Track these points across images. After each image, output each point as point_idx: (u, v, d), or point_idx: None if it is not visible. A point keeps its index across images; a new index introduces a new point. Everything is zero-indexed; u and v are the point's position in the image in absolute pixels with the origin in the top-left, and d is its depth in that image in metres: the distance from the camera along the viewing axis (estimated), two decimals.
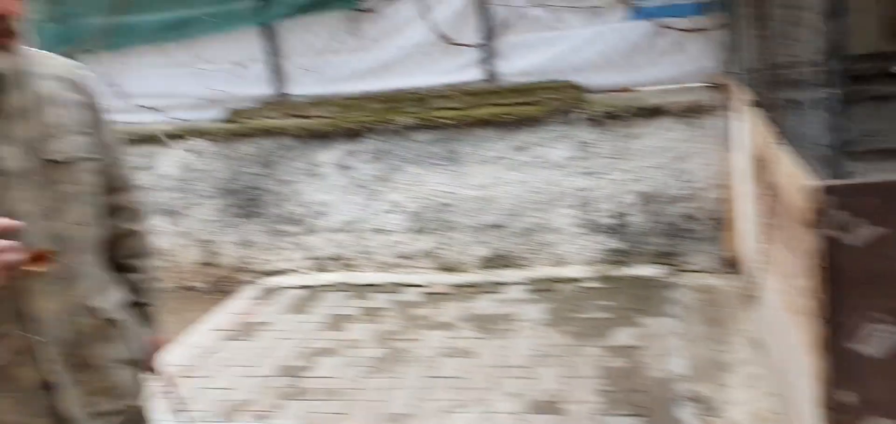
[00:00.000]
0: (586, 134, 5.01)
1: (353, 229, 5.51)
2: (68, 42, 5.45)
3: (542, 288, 4.88)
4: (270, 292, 5.37)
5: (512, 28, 5.10)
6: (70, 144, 1.78)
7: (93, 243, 1.86)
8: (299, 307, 5.02)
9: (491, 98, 5.17)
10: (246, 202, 5.63)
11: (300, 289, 5.32)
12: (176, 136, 5.65)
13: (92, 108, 1.89)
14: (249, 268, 5.71)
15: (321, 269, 5.57)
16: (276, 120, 5.50)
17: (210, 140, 5.59)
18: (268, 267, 5.66)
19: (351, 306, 4.94)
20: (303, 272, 5.58)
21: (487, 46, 5.14)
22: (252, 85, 5.55)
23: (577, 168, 5.07)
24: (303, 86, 5.49)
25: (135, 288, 2.00)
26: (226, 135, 5.56)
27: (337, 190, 5.45)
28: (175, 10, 5.44)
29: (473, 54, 5.18)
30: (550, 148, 5.08)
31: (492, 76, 5.21)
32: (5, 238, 1.60)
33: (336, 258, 5.57)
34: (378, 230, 5.48)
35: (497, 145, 5.16)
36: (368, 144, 5.33)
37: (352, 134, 5.33)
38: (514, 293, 4.87)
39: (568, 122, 5.02)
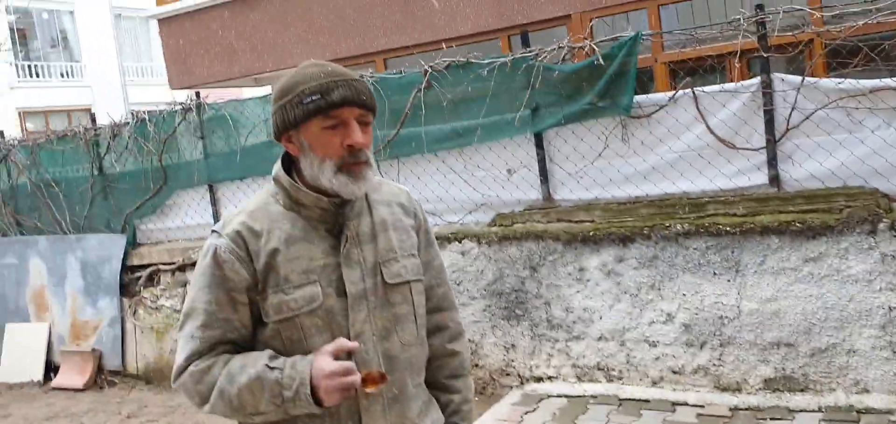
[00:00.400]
0: (893, 246, 4.43)
1: (620, 339, 5.28)
2: None
3: (842, 418, 4.30)
4: (533, 398, 5.27)
5: (801, 130, 4.70)
6: (404, 267, 1.88)
7: (420, 363, 1.93)
8: (564, 420, 4.86)
9: (777, 204, 4.76)
10: (511, 305, 5.64)
11: (564, 398, 5.16)
12: (446, 238, 5.85)
13: (421, 230, 1.99)
14: (512, 372, 5.67)
15: (585, 378, 5.39)
16: (543, 224, 5.50)
17: (478, 242, 5.72)
18: (531, 372, 5.59)
19: (620, 423, 4.69)
20: (566, 380, 5.43)
21: (772, 149, 4.78)
22: (520, 190, 5.63)
23: (882, 284, 4.48)
24: (571, 190, 5.45)
25: (454, 410, 2.02)
26: (493, 238, 5.66)
27: (604, 296, 5.29)
28: (454, 121, 5.72)
29: (756, 158, 4.84)
30: (848, 260, 4.54)
31: (777, 181, 4.82)
32: (344, 359, 1.70)
33: (601, 368, 5.36)
34: (647, 341, 5.21)
35: (784, 255, 4.72)
36: (638, 250, 5.13)
37: (621, 239, 5.17)
38: (808, 421, 4.33)
39: (869, 232, 4.47)
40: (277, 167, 1.88)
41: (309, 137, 1.78)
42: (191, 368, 1.80)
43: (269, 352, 1.78)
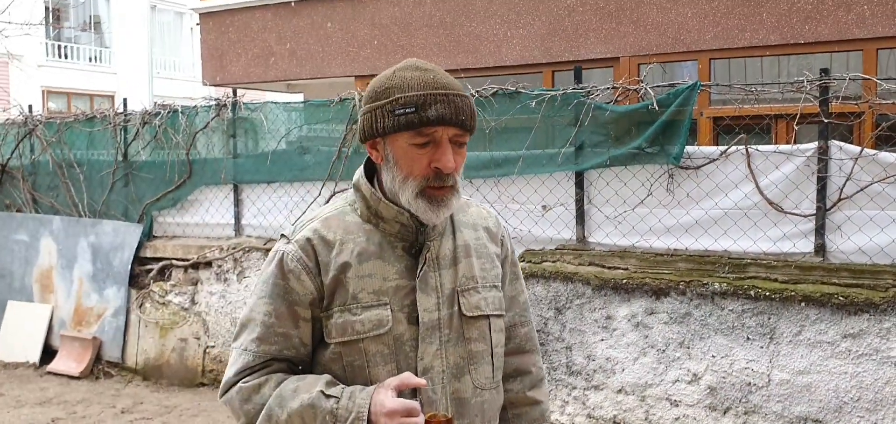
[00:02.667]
0: None
1: (641, 394, 5.12)
2: None
3: None
4: None
5: (853, 202, 4.58)
6: (485, 299, 1.71)
7: (493, 411, 1.74)
8: None
9: (820, 275, 4.63)
10: None
11: None
12: None
13: (507, 260, 1.82)
14: None
15: None
16: (573, 265, 5.36)
17: None
18: None
19: None
20: None
21: (822, 217, 4.65)
22: (554, 227, 5.50)
23: None
24: (607, 235, 5.33)
25: None
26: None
27: (629, 348, 5.13)
28: (494, 150, 5.61)
29: (804, 224, 4.71)
30: (890, 342, 4.40)
31: (823, 251, 4.69)
32: (407, 397, 1.53)
33: (617, 422, 5.19)
34: (668, 399, 5.04)
35: (823, 328, 4.57)
36: (671, 305, 4.99)
37: (654, 291, 5.03)
38: None
39: None
40: (359, 173, 1.72)
41: (396, 151, 1.61)
42: (240, 383, 1.65)
43: (326, 378, 1.61)
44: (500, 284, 1.76)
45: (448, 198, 1.61)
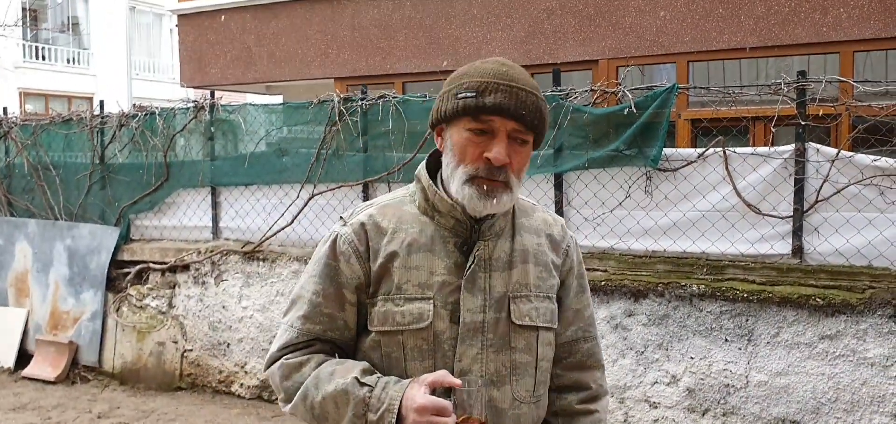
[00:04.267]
0: None
1: (620, 396, 5.12)
2: (374, 172, 5.80)
3: None
4: None
5: (830, 204, 4.61)
6: (536, 309, 1.65)
7: None
8: None
9: (798, 276, 4.65)
10: None
11: None
12: None
13: (572, 273, 1.75)
14: None
15: None
16: None
17: None
18: None
19: None
20: None
21: (799, 219, 4.67)
22: None
23: None
24: (586, 236, 5.32)
25: None
26: None
27: (608, 351, 5.13)
28: None
29: (781, 226, 4.73)
30: (866, 343, 4.42)
31: (801, 252, 4.71)
32: (441, 396, 1.49)
33: None
34: (647, 402, 5.05)
35: (800, 330, 4.59)
36: (650, 307, 4.99)
37: (633, 293, 5.04)
38: None
39: (891, 315, 4.35)
40: (422, 166, 1.70)
41: (454, 136, 1.58)
42: (283, 359, 1.65)
43: (363, 365, 1.59)
44: (554, 295, 1.69)
45: (498, 192, 1.55)
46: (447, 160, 1.60)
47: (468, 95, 1.54)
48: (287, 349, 1.66)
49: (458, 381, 1.51)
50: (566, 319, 1.72)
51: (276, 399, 1.70)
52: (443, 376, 1.51)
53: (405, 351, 1.58)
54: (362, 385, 1.54)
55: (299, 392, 1.61)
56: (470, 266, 1.59)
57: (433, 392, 1.50)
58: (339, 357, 1.67)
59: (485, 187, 1.55)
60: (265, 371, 1.70)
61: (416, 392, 1.49)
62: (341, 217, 1.70)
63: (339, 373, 1.58)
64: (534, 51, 7.65)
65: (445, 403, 1.47)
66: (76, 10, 23.63)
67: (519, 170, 1.59)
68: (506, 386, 1.61)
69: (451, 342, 1.58)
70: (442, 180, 1.65)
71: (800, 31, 6.55)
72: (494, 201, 1.55)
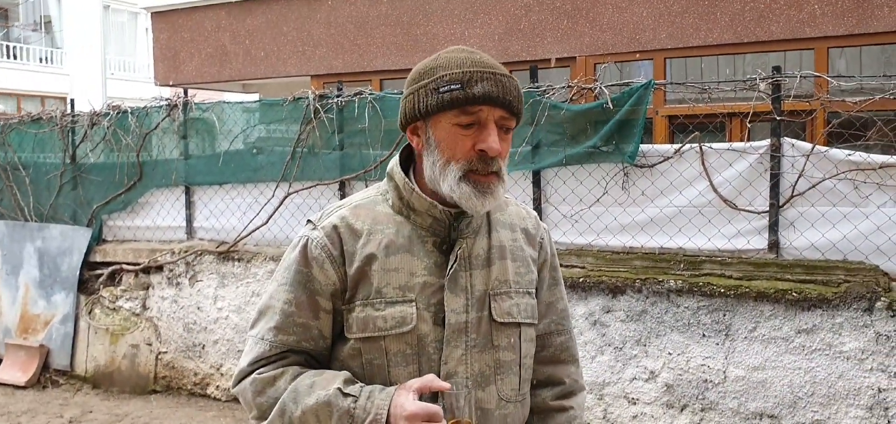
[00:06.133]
0: (888, 326, 4.34)
1: (599, 393, 5.11)
2: (350, 170, 5.74)
3: None
4: None
5: (805, 198, 4.62)
6: (517, 305, 1.61)
7: None
8: None
9: (774, 271, 4.66)
10: None
11: None
12: None
13: (546, 265, 1.72)
14: None
15: None
16: None
17: None
18: None
19: None
20: None
21: (775, 214, 4.68)
22: None
23: (873, 364, 4.38)
24: (564, 233, 5.31)
25: None
26: None
27: (587, 347, 5.12)
28: None
29: (758, 221, 4.74)
30: (842, 337, 4.44)
31: (777, 247, 4.72)
32: (428, 401, 1.44)
33: None
34: (626, 398, 5.04)
35: (777, 324, 4.60)
36: (628, 303, 4.98)
37: (611, 289, 5.02)
38: None
39: (866, 309, 4.37)
40: (393, 163, 1.63)
41: (438, 132, 1.52)
42: (254, 374, 1.56)
43: (345, 374, 1.52)
44: (534, 290, 1.66)
45: (494, 186, 1.52)
46: (432, 158, 1.54)
47: (454, 87, 1.48)
48: (259, 362, 1.57)
49: (446, 385, 1.46)
50: (539, 312, 1.69)
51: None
52: (430, 380, 1.46)
53: (388, 357, 1.53)
54: (346, 395, 1.48)
55: (276, 407, 1.53)
56: (452, 265, 1.55)
57: (421, 397, 1.45)
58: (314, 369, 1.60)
59: (483, 183, 1.51)
60: (234, 387, 1.61)
61: (405, 399, 1.44)
62: (310, 220, 1.63)
63: (320, 385, 1.51)
64: (512, 47, 7.63)
65: (436, 408, 1.43)
66: (49, 8, 23.32)
67: (505, 158, 1.56)
68: (491, 386, 1.57)
69: (436, 345, 1.53)
70: (418, 179, 1.60)
71: (775, 28, 6.58)
72: (491, 197, 1.52)
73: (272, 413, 1.53)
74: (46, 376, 7.21)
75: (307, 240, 1.58)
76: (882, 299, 4.34)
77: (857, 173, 4.44)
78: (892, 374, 4.33)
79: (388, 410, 1.44)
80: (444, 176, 1.52)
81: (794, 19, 6.54)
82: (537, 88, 5.22)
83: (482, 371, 1.56)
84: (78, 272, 7.23)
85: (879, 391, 4.35)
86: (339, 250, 1.56)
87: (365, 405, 1.46)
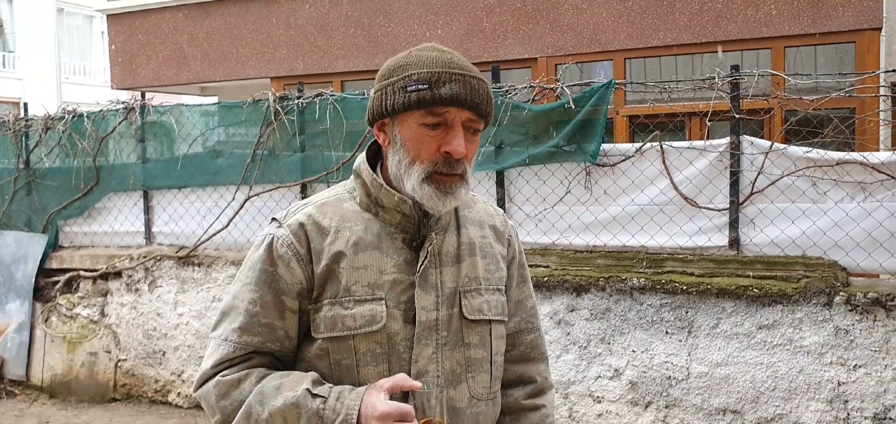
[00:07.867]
0: (846, 320, 4.41)
1: (564, 392, 5.12)
2: (312, 172, 5.68)
3: None
4: None
5: (765, 195, 4.68)
6: (487, 302, 1.60)
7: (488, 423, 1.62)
8: None
9: (735, 268, 4.71)
10: None
11: None
12: None
13: (514, 262, 1.71)
14: None
15: None
16: None
17: None
18: None
19: None
20: None
21: (735, 211, 4.74)
22: None
23: (832, 358, 4.45)
24: (528, 233, 5.31)
25: None
26: None
27: (551, 346, 5.12)
28: None
29: (718, 218, 4.79)
30: (802, 331, 4.51)
31: (737, 244, 4.78)
32: (399, 399, 1.42)
33: None
34: (591, 396, 5.06)
35: (738, 320, 4.65)
36: (592, 301, 5.00)
37: (575, 288, 5.04)
38: None
39: (825, 304, 4.45)
40: (360, 159, 1.60)
41: (404, 131, 1.50)
42: (218, 377, 1.51)
43: (313, 375, 1.49)
44: (503, 287, 1.65)
45: (456, 187, 1.50)
46: (397, 157, 1.52)
47: (421, 87, 1.46)
48: (222, 364, 1.53)
49: (418, 384, 1.44)
50: (509, 310, 1.68)
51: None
52: (402, 380, 1.44)
53: (357, 357, 1.50)
54: (315, 396, 1.44)
55: (241, 411, 1.48)
56: (422, 262, 1.53)
57: (391, 397, 1.43)
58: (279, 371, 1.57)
59: (445, 184, 1.49)
60: (196, 391, 1.57)
61: (376, 399, 1.41)
62: (274, 218, 1.59)
63: (287, 386, 1.47)
64: (474, 49, 7.63)
65: (408, 408, 1.40)
66: (1, 12, 22.76)
67: (471, 160, 1.55)
68: (463, 385, 1.55)
69: (406, 343, 1.51)
70: (385, 176, 1.58)
71: (733, 27, 6.67)
72: (453, 197, 1.51)
73: (237, 417, 1.49)
74: (1, 386, 7.03)
75: (273, 238, 1.55)
76: (841, 293, 4.41)
77: (814, 169, 4.51)
78: (851, 367, 4.40)
79: (359, 410, 1.41)
80: (408, 175, 1.50)
81: (751, 19, 6.64)
82: (499, 88, 5.22)
83: (453, 369, 1.54)
84: (33, 280, 7.06)
85: (839, 384, 4.43)
86: (305, 248, 1.53)
87: (334, 405, 1.43)
